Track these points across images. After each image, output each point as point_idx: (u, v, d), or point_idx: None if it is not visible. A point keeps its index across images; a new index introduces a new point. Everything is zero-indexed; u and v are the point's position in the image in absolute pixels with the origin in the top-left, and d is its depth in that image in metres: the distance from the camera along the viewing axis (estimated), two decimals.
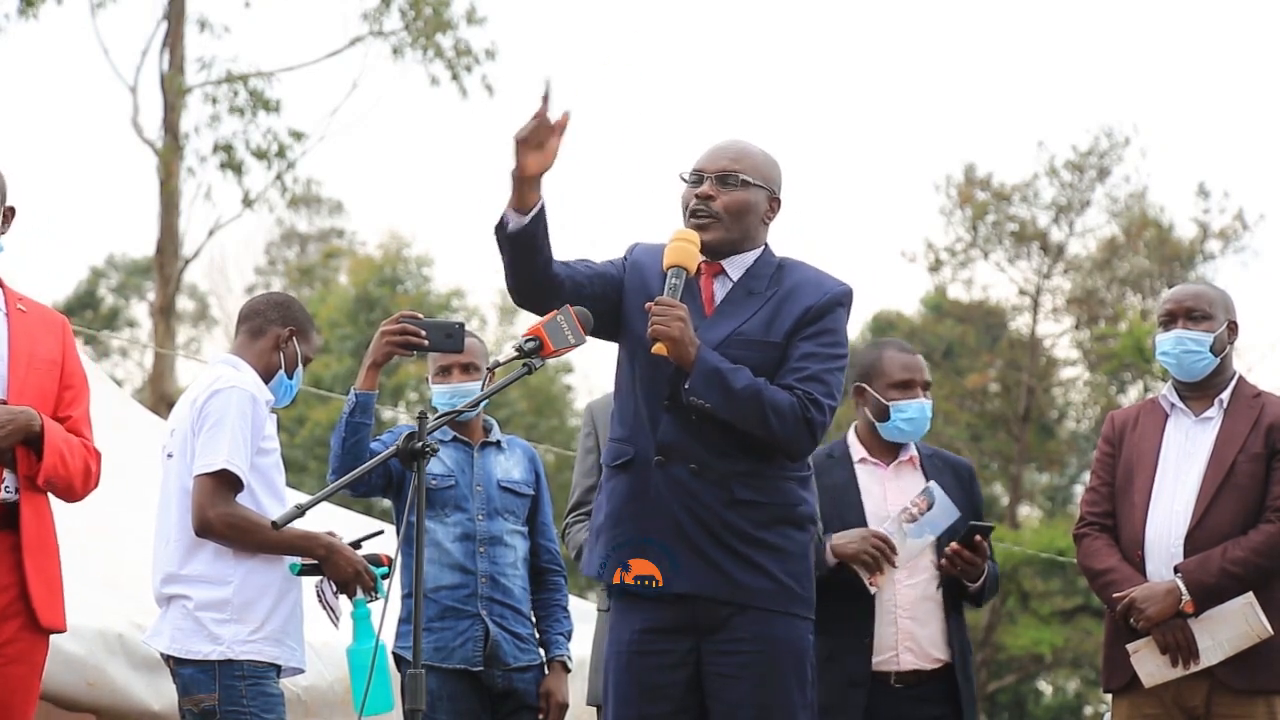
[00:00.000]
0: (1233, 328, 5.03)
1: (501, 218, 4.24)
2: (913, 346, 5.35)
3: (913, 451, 5.24)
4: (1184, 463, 4.97)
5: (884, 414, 5.16)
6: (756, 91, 49.47)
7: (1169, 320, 5.04)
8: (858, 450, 5.23)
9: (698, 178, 4.43)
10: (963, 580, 5.09)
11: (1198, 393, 5.04)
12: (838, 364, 4.40)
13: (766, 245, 4.50)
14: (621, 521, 4.38)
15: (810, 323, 4.38)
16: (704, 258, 4.40)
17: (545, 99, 4.14)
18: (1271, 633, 4.79)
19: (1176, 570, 4.86)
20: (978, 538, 5.00)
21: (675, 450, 4.33)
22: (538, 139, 4.15)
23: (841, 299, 4.43)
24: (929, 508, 5.00)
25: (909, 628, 5.08)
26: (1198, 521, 4.89)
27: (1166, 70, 47.07)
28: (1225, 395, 5.00)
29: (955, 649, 5.12)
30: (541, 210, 4.22)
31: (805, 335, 4.37)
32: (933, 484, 5.07)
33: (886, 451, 5.22)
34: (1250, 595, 4.81)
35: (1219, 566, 4.81)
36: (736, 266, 4.45)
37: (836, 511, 5.11)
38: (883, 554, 4.98)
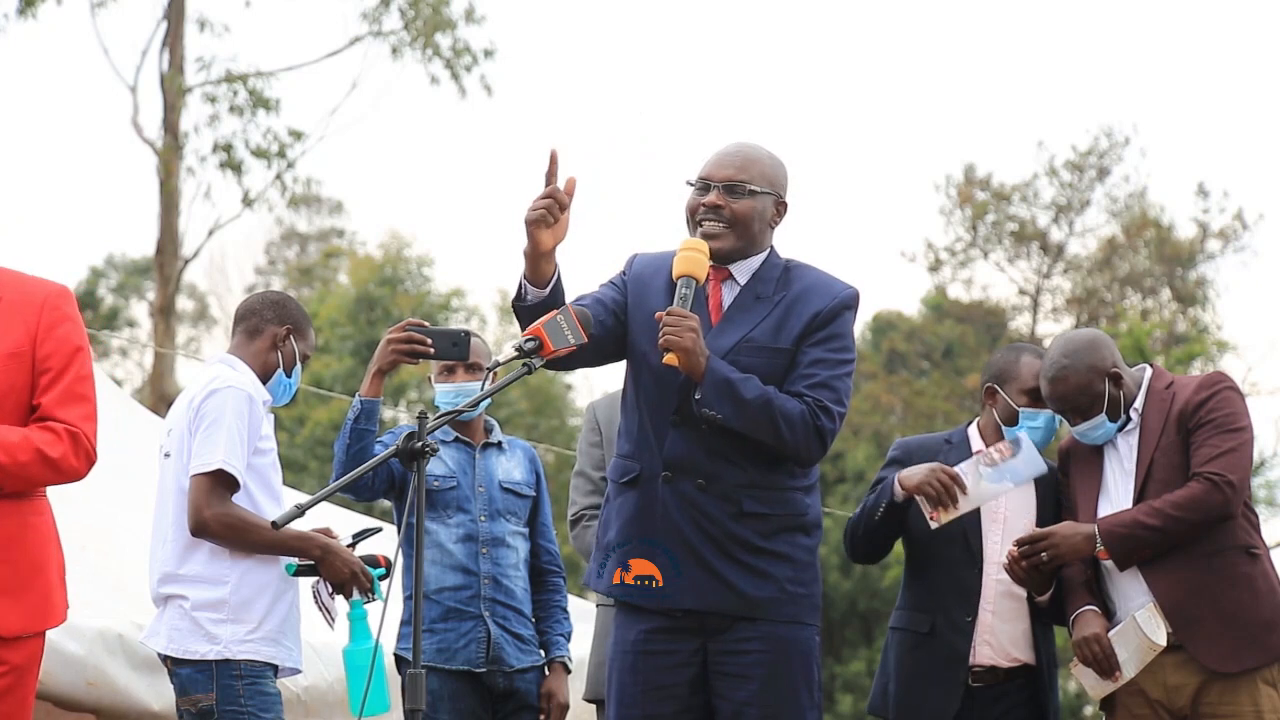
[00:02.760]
0: (1114, 378, 4.96)
1: (519, 291, 4.28)
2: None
3: None
4: (1123, 479, 4.99)
5: (1012, 419, 5.16)
6: (757, 91, 49.50)
7: (1065, 415, 5.03)
8: (977, 442, 5.22)
9: (704, 185, 4.43)
10: (1030, 592, 5.06)
11: None
12: (846, 369, 4.40)
13: (772, 248, 4.51)
14: (629, 540, 4.39)
15: (819, 328, 4.38)
16: (711, 264, 4.40)
17: (551, 174, 4.19)
18: (1163, 645, 4.79)
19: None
20: (1012, 548, 4.93)
21: (682, 465, 4.33)
22: (550, 219, 4.18)
23: (849, 302, 4.44)
24: (1012, 455, 4.93)
25: (989, 621, 5.08)
26: None
27: (1166, 70, 47.10)
28: (1140, 400, 5.01)
29: (1041, 655, 5.12)
30: (558, 280, 4.28)
31: (814, 341, 4.37)
32: (1023, 434, 5.02)
33: None
34: (1144, 610, 4.82)
35: (1132, 517, 4.82)
36: (743, 271, 4.45)
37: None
38: (947, 489, 4.90)
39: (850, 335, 4.46)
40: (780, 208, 4.49)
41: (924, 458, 5.19)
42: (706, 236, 4.38)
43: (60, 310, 4.24)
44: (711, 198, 4.40)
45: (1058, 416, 5.13)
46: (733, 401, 4.25)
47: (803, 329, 4.38)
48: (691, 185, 4.46)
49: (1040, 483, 5.15)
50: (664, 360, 4.26)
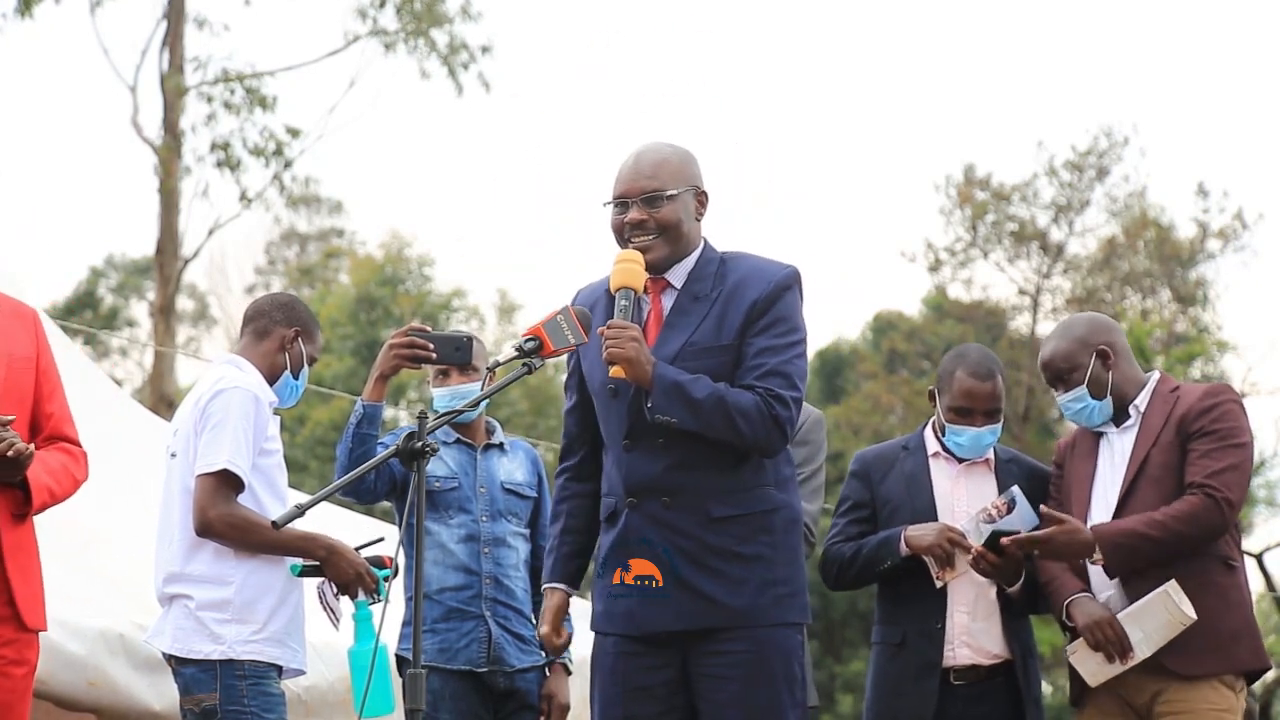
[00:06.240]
0: (1102, 354, 4.99)
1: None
2: (993, 364, 5.19)
3: (989, 454, 5.24)
4: (1111, 472, 5.00)
5: (943, 429, 5.21)
6: (756, 91, 49.50)
7: (1052, 385, 5.08)
8: (932, 444, 5.24)
9: (623, 204, 4.40)
10: (1000, 584, 5.09)
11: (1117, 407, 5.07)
12: (795, 351, 4.35)
13: (705, 241, 4.47)
14: (610, 571, 4.38)
15: (759, 316, 4.33)
16: (649, 276, 4.37)
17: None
18: (1194, 618, 4.78)
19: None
20: (1003, 540, 4.96)
21: (643, 488, 4.31)
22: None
23: (786, 282, 4.38)
24: (1009, 512, 4.97)
25: (964, 622, 5.10)
26: (1116, 515, 4.91)
27: (1166, 70, 47.12)
28: (1142, 399, 5.02)
29: (1016, 648, 5.13)
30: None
31: (757, 330, 4.33)
32: (1016, 489, 5.03)
33: None
34: (1171, 584, 4.80)
35: (1132, 527, 4.82)
36: (679, 274, 4.41)
37: (908, 499, 5.16)
38: (956, 549, 5.00)
39: (795, 315, 4.38)
40: (701, 198, 4.45)
41: (883, 467, 5.25)
42: (639, 249, 4.36)
43: (43, 327, 4.60)
44: (633, 214, 4.37)
45: (987, 431, 5.15)
46: (684, 404, 4.22)
47: (743, 321, 4.33)
48: (610, 205, 4.42)
49: (1004, 484, 5.16)
50: (610, 373, 4.25)
